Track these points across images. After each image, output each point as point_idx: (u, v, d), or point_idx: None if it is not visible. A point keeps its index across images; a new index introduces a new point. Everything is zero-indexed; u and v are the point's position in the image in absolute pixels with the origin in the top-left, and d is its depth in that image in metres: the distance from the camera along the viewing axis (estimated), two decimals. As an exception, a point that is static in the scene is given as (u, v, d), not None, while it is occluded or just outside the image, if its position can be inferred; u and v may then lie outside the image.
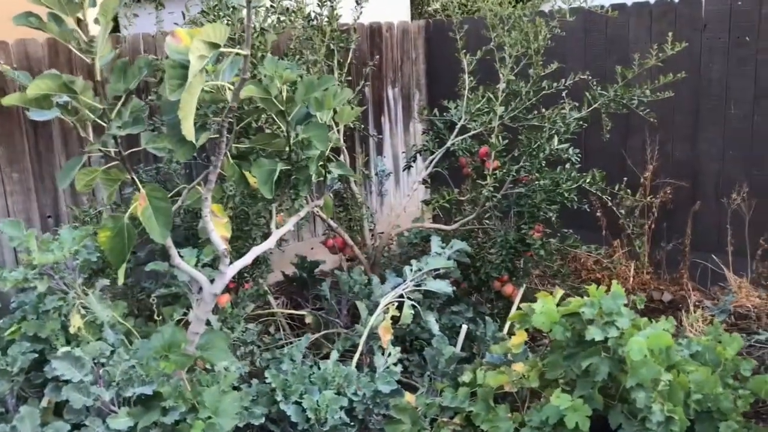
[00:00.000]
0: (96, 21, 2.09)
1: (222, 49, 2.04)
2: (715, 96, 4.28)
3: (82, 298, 2.76)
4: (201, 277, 2.46)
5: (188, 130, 2.05)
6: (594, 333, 2.45)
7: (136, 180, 2.27)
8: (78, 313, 2.73)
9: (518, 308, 3.65)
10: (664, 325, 2.53)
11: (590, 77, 3.59)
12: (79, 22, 2.11)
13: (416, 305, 3.23)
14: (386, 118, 5.63)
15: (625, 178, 4.45)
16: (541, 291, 4.19)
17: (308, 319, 3.71)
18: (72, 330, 2.70)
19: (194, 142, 2.11)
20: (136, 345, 2.55)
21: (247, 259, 2.53)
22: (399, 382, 2.94)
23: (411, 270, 3.37)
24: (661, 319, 2.71)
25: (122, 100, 2.22)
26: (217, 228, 2.49)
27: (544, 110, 3.61)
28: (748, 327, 3.76)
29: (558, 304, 2.64)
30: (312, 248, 4.94)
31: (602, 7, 3.68)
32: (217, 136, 2.58)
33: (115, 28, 5.44)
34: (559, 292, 2.69)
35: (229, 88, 2.28)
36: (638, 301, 2.92)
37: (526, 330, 2.77)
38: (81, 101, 2.12)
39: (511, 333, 3.59)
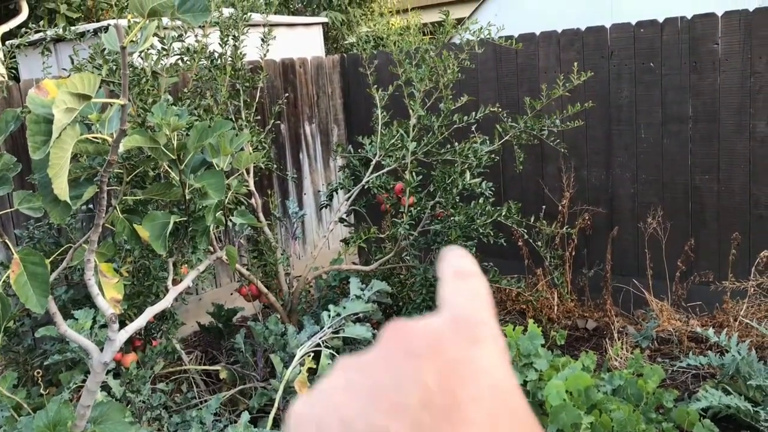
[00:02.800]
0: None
1: (94, 100, 1.88)
2: (625, 121, 4.33)
3: (-39, 374, 2.50)
4: (89, 344, 2.25)
5: (60, 189, 1.87)
6: (513, 376, 2.36)
7: (9, 244, 2.07)
8: (-44, 391, 2.47)
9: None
10: (584, 362, 2.46)
11: (501, 109, 3.57)
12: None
13: (335, 354, 3.08)
14: (305, 155, 5.51)
15: (544, 206, 4.47)
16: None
17: (223, 374, 3.50)
18: (-50, 410, 2.44)
19: (68, 201, 1.93)
20: (21, 423, 2.31)
21: (141, 321, 2.34)
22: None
23: (329, 316, 3.23)
24: (582, 355, 2.64)
25: (-12, 158, 2.02)
26: (107, 290, 2.29)
27: (456, 144, 3.56)
28: (670, 352, 3.75)
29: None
30: (231, 293, 4.73)
31: (508, 38, 3.67)
32: (111, 188, 2.41)
33: (16, 73, 5.17)
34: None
35: (109, 139, 2.11)
36: (558, 338, 2.85)
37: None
38: (-62, 162, 1.91)
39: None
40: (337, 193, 4.05)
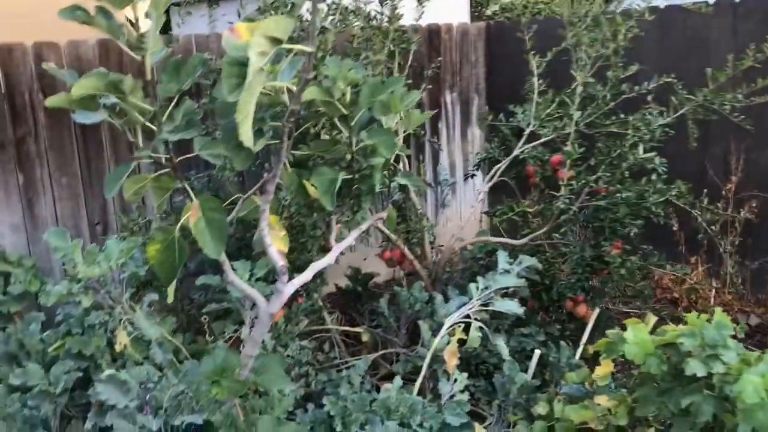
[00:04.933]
0: (147, 15, 1.91)
1: (284, 45, 1.83)
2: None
3: (129, 314, 2.58)
4: (257, 295, 2.24)
5: (246, 135, 1.84)
6: (695, 367, 2.15)
7: (188, 189, 2.08)
8: (124, 330, 2.55)
9: (592, 332, 3.35)
10: (776, 360, 2.22)
11: (675, 79, 3.28)
12: (131, 21, 1.93)
13: (484, 327, 2.97)
14: (444, 124, 5.38)
15: (705, 189, 4.12)
16: (615, 313, 3.91)
17: (365, 338, 3.48)
18: (118, 348, 2.53)
19: (252, 148, 1.90)
20: (185, 367, 2.35)
21: (307, 275, 2.32)
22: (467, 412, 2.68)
23: (477, 288, 3.11)
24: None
25: (174, 101, 2.03)
26: (275, 242, 2.27)
27: (622, 116, 3.31)
28: None
29: (650, 333, 2.35)
30: (365, 259, 4.71)
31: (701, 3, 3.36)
32: (274, 142, 2.38)
33: (166, 29, 5.33)
34: (652, 319, 2.40)
35: (289, 90, 2.06)
36: (740, 330, 2.60)
37: (614, 360, 2.49)
38: (129, 103, 1.93)
39: (584, 358, 3.30)
40: (485, 162, 3.90)
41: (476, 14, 7.64)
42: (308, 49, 1.91)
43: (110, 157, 3.77)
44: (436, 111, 5.26)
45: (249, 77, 1.72)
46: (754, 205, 4.05)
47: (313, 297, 3.40)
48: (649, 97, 3.21)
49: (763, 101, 3.22)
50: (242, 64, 1.78)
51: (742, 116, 3.19)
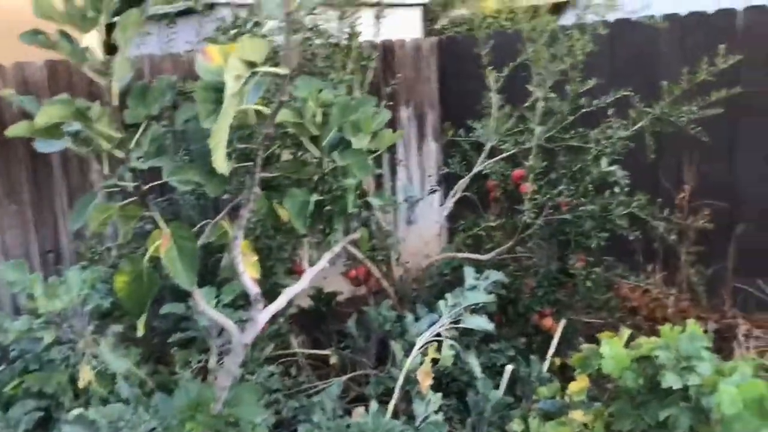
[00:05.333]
0: (113, 39, 1.83)
1: (260, 69, 1.78)
2: (756, 112, 4.05)
3: (93, 347, 2.47)
4: (231, 325, 2.18)
5: (220, 161, 1.78)
6: (671, 380, 2.18)
7: (159, 218, 2.00)
8: (88, 365, 2.44)
9: (558, 344, 3.38)
10: (748, 369, 2.27)
11: (632, 92, 3.35)
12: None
13: (456, 345, 2.95)
14: (400, 140, 5.38)
15: (659, 199, 4.20)
16: (579, 324, 3.95)
17: (333, 360, 3.42)
18: (81, 384, 2.42)
19: (225, 173, 1.85)
20: (156, 401, 2.26)
21: (281, 302, 2.26)
22: (442, 432, 2.65)
23: (446, 305, 3.10)
24: (738, 359, 2.44)
25: (142, 127, 1.95)
26: (247, 269, 2.21)
27: (583, 130, 3.37)
28: (807, 359, 3.49)
29: (625, 346, 2.37)
30: (325, 278, 4.64)
31: (650, 17, 3.46)
32: (242, 165, 2.32)
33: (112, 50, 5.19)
34: (626, 332, 2.42)
35: (263, 110, 2.01)
36: (708, 339, 2.65)
37: (589, 375, 2.50)
38: (95, 130, 1.85)
39: (552, 371, 3.32)
40: (447, 179, 3.90)
41: (428, 29, 7.70)
42: (284, 71, 1.87)
43: (61, 181, 3.63)
44: (391, 129, 5.24)
45: (226, 102, 1.67)
46: (706, 213, 4.15)
47: (279, 321, 3.33)
48: (610, 111, 3.27)
49: (714, 113, 3.32)
50: (217, 89, 1.73)
51: (697, 128, 3.27)
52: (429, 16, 7.66)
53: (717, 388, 2.10)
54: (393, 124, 5.29)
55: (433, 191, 3.94)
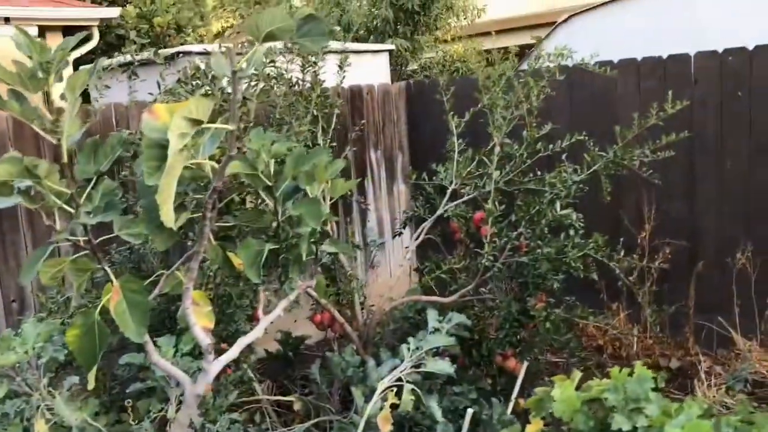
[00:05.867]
0: (62, 97, 1.88)
1: (205, 126, 1.84)
2: (710, 152, 4.17)
3: (48, 400, 2.46)
4: (182, 376, 2.19)
5: (167, 216, 1.82)
6: (620, 422, 2.21)
7: (109, 271, 2.02)
8: (43, 418, 2.43)
9: (523, 385, 3.40)
10: (696, 409, 2.30)
11: (586, 137, 3.44)
12: (45, 97, 1.90)
13: (416, 390, 2.97)
14: (369, 182, 5.45)
15: (622, 239, 4.26)
16: (544, 364, 3.98)
17: (297, 406, 3.42)
18: (36, 437, 2.40)
19: (174, 228, 1.88)
20: (109, 454, 2.25)
21: (234, 352, 2.28)
22: (402, 478, 2.65)
23: (408, 349, 3.12)
24: (686, 399, 2.48)
25: (93, 182, 1.99)
26: (200, 319, 2.23)
27: (540, 173, 3.44)
28: (766, 396, 3.54)
29: (576, 388, 2.41)
30: (295, 321, 4.65)
31: (602, 64, 3.57)
32: (197, 215, 2.36)
33: (86, 99, 5.25)
34: (577, 375, 2.46)
35: (212, 165, 2.06)
36: (659, 379, 2.69)
37: (543, 417, 2.52)
38: (45, 186, 1.88)
39: (516, 412, 3.33)
40: (411, 221, 3.96)
41: (397, 73, 7.84)
42: (230, 127, 1.92)
43: (26, 231, 3.64)
44: (361, 171, 5.33)
45: (170, 160, 1.72)
46: (668, 251, 4.23)
47: (242, 367, 3.33)
48: (564, 156, 3.35)
49: (668, 156, 3.41)
50: (162, 146, 1.77)
51: (650, 171, 3.36)
52: (399, 61, 7.82)
53: (664, 430, 2.13)
54: (362, 166, 5.37)
55: (398, 234, 3.99)
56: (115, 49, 6.92)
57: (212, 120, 1.89)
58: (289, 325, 4.36)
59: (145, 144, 1.75)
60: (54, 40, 6.61)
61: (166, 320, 3.14)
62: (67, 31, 6.63)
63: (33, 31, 6.30)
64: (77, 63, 6.41)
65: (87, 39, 6.82)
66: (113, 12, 6.88)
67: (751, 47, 3.98)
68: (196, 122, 1.79)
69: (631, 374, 2.34)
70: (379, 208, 5.51)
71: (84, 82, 1.87)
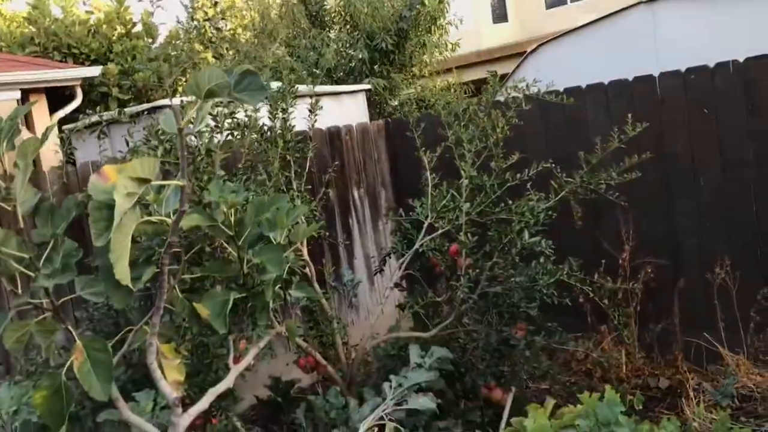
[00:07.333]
0: (15, 165, 1.93)
1: (155, 183, 1.88)
2: (682, 170, 4.21)
3: (24, 464, 2.47)
4: (152, 430, 2.19)
5: (122, 273, 1.85)
6: (593, 448, 2.22)
7: (72, 331, 2.05)
8: (20, 482, 2.43)
9: (508, 419, 3.39)
10: (666, 428, 2.31)
11: (553, 164, 3.48)
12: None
13: (399, 428, 2.96)
14: (354, 220, 5.50)
15: (603, 260, 4.28)
16: (532, 392, 3.97)
17: (284, 452, 3.41)
18: (14, 502, 2.40)
19: (130, 286, 1.91)
20: None
21: (203, 404, 2.29)
22: None
23: (390, 387, 3.12)
24: (663, 421, 2.48)
25: (51, 245, 2.03)
26: (169, 372, 2.25)
27: (510, 202, 3.48)
28: (754, 410, 3.53)
29: (551, 416, 2.41)
30: (287, 364, 4.65)
31: (557, 93, 3.63)
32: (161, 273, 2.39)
33: (69, 154, 5.33)
34: (551, 403, 2.46)
35: (167, 221, 2.10)
36: (637, 401, 2.69)
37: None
38: (3, 253, 1.92)
39: (504, 443, 3.32)
40: (390, 257, 3.99)
41: (378, 111, 7.94)
42: (180, 183, 1.97)
43: (9, 294, 3.67)
44: (344, 210, 5.37)
45: (116, 219, 1.75)
46: (650, 270, 4.24)
47: (228, 416, 3.32)
48: (529, 185, 3.39)
49: (637, 176, 3.44)
50: (110, 206, 1.81)
51: (617, 193, 3.39)
52: (379, 99, 7.92)
53: (635, 453, 2.13)
54: (346, 205, 5.42)
55: (378, 271, 4.01)
56: (98, 106, 7.04)
57: (171, 175, 1.94)
58: (281, 370, 4.36)
59: (92, 206, 1.79)
60: (39, 101, 6.72)
61: (147, 374, 3.14)
62: (51, 91, 6.76)
63: (16, 94, 6.41)
64: (62, 122, 6.50)
65: (71, 98, 6.93)
66: (95, 71, 7.00)
67: (711, 65, 4.05)
68: (143, 180, 1.83)
69: (601, 398, 2.35)
70: (366, 245, 5.54)
71: (36, 149, 1.92)
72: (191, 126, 1.97)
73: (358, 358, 3.64)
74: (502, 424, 3.43)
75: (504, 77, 7.09)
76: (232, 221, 2.38)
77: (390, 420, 3.01)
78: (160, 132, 2.92)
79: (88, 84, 7.31)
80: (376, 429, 3.03)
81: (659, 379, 4.06)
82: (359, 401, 3.21)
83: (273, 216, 2.45)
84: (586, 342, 3.43)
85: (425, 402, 3.04)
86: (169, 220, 2.08)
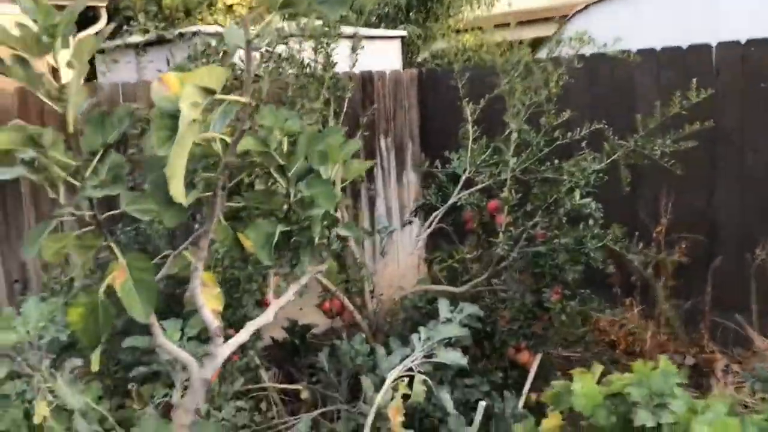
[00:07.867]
0: (69, 65, 1.79)
1: (218, 96, 1.75)
2: (731, 145, 4.06)
3: (50, 382, 2.38)
4: (189, 359, 2.11)
5: (177, 190, 1.73)
6: (644, 418, 2.13)
7: (115, 248, 1.94)
8: (44, 400, 2.35)
9: (535, 379, 3.32)
10: (722, 407, 2.22)
11: (606, 125, 3.34)
12: (53, 70, 1.81)
13: (428, 380, 2.88)
14: (379, 170, 5.36)
15: (636, 232, 4.16)
16: (556, 357, 3.90)
17: (304, 395, 3.34)
18: (37, 420, 2.32)
19: (184, 203, 1.79)
20: (112, 439, 2.17)
21: (243, 336, 2.19)
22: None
23: (419, 339, 3.04)
24: (712, 398, 2.39)
25: (99, 155, 1.90)
26: (208, 301, 2.15)
27: (558, 162, 3.35)
28: (784, 396, 3.44)
29: (597, 382, 2.32)
30: (301, 309, 4.56)
31: (624, 51, 3.47)
32: (206, 194, 2.26)
33: (92, 76, 5.15)
34: (598, 369, 2.37)
35: (223, 141, 1.97)
36: (682, 375, 2.60)
37: (562, 412, 2.44)
38: (50, 157, 1.80)
39: (528, 407, 3.25)
40: (422, 208, 3.87)
41: (408, 61, 7.73)
42: (243, 99, 1.83)
43: (29, 209, 3.56)
44: (371, 158, 5.23)
45: (180, 130, 1.63)
46: (683, 246, 4.13)
47: (248, 354, 3.24)
48: (584, 143, 3.26)
49: (689, 146, 3.31)
50: (173, 116, 1.68)
51: (672, 161, 3.26)
52: (410, 49, 7.71)
53: (690, 427, 2.05)
54: (372, 154, 5.27)
55: (408, 222, 3.90)
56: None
57: (227, 96, 1.81)
58: (296, 314, 4.28)
59: (156, 114, 1.66)
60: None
61: (171, 304, 3.06)
62: (75, 11, 6.53)
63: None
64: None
65: (94, 20, 6.72)
66: (122, -9, 6.80)
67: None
68: (209, 91, 1.70)
69: (654, 369, 2.25)
70: (389, 197, 5.41)
71: (93, 49, 1.78)
72: (260, 40, 1.82)
73: (385, 308, 3.55)
74: (527, 387, 3.37)
75: (539, 40, 6.89)
76: (284, 150, 2.25)
77: (418, 372, 2.93)
78: (206, 52, 2.77)
79: (113, 7, 7.09)
80: (400, 381, 2.96)
81: (685, 356, 3.98)
82: (386, 350, 3.13)
83: (326, 149, 2.32)
84: (628, 311, 3.32)
85: (455, 356, 2.96)
86: (225, 137, 1.95)
